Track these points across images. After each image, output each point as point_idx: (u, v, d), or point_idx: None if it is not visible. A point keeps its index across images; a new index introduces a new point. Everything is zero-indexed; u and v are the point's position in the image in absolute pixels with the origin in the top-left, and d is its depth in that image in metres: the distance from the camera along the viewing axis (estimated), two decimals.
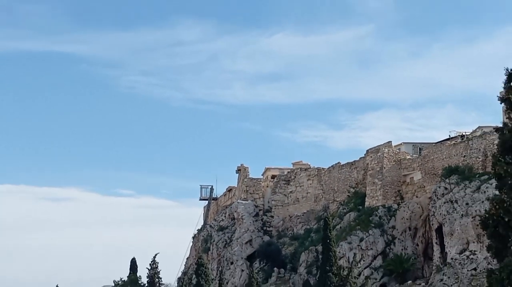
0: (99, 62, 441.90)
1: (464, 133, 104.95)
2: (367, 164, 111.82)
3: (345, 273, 69.14)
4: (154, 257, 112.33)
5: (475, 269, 77.81)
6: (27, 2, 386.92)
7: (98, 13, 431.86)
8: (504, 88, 21.94)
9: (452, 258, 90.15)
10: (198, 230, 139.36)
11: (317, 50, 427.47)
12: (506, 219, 20.89)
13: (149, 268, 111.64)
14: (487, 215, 22.35)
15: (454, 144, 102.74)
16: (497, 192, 23.35)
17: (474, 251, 79.37)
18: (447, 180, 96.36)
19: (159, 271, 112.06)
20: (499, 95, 22.54)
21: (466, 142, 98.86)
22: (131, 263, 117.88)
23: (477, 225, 56.88)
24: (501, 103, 22.51)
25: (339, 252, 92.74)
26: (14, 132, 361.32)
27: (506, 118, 22.06)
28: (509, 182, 20.96)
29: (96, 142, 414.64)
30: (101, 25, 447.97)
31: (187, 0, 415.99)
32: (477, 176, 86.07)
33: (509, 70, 21.85)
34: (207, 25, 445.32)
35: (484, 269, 66.65)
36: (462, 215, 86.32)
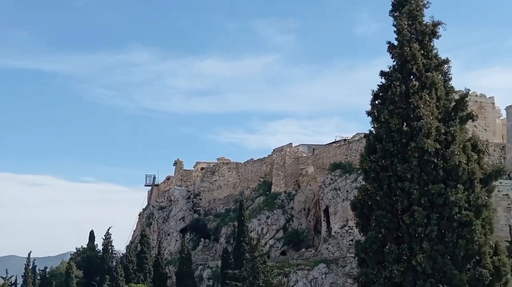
0: (69, 78, 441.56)
1: (346, 138, 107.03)
2: (273, 160, 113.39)
3: (254, 242, 71.16)
4: (108, 229, 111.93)
5: (352, 240, 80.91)
6: (13, 28, 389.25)
7: (70, 39, 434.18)
8: (370, 105, 22.91)
9: (335, 232, 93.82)
10: (143, 209, 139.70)
11: (237, 73, 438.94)
12: (369, 203, 21.89)
13: (104, 238, 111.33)
14: (356, 200, 23.33)
15: (338, 145, 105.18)
16: (364, 183, 23.67)
17: (352, 226, 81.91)
18: (332, 173, 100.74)
19: (111, 241, 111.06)
20: (367, 110, 23.22)
21: (348, 144, 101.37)
22: (90, 234, 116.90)
23: None
24: (368, 116, 22.89)
25: (250, 227, 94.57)
26: (3, 131, 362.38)
27: (372, 127, 22.75)
28: (372, 175, 21.77)
29: (66, 140, 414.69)
30: (72, 48, 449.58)
31: (139, 31, 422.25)
32: (355, 170, 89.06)
33: (373, 91, 22.90)
34: (154, 51, 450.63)
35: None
36: (343, 199, 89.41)
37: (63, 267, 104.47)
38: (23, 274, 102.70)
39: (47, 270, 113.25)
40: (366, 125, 22.24)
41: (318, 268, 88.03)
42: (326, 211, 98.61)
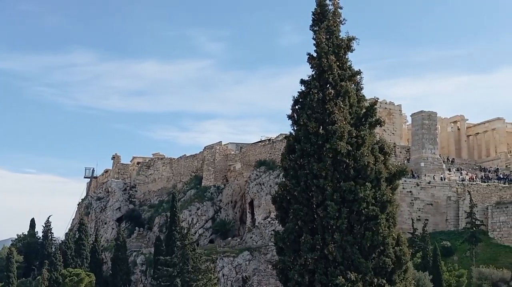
0: (13, 76, 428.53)
1: (270, 138, 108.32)
2: (204, 156, 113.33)
3: (185, 231, 71.28)
4: (48, 218, 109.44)
5: (273, 230, 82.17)
6: None
7: (15, 40, 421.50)
8: (291, 109, 22.37)
9: (258, 223, 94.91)
10: (82, 199, 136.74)
11: (171, 76, 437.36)
12: (288, 197, 21.39)
13: (44, 226, 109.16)
14: (276, 195, 22.51)
15: (263, 144, 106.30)
16: (283, 179, 23.23)
17: (273, 218, 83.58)
18: (257, 169, 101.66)
19: (51, 228, 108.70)
20: (287, 114, 22.69)
21: (271, 144, 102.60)
22: (30, 222, 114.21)
23: None
24: (288, 119, 22.49)
25: (182, 217, 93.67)
26: None
27: (292, 129, 22.23)
28: (291, 172, 21.28)
29: (8, 133, 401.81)
30: (17, 49, 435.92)
31: (81, 35, 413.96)
32: (277, 167, 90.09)
33: (294, 98, 22.41)
34: (94, 53, 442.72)
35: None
36: (266, 193, 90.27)
37: (4, 252, 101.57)
38: None
39: None
40: (288, 127, 22.41)
41: (243, 255, 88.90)
42: (251, 203, 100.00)
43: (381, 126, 23.48)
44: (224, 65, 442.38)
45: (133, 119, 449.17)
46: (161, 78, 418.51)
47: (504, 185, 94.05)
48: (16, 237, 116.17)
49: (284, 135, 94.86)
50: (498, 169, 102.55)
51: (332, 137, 20.07)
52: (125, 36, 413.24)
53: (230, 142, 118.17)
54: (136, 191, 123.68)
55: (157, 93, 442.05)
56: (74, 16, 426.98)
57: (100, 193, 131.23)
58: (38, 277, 73.81)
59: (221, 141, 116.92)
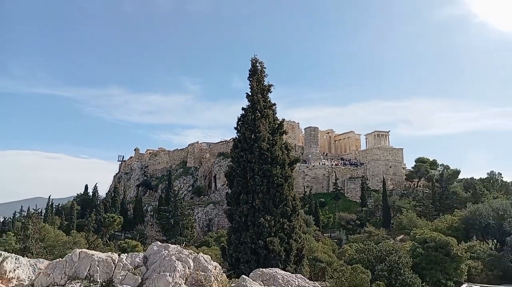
0: (75, 100, 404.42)
1: (226, 140, 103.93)
2: (188, 150, 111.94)
3: (176, 192, 71.86)
4: (95, 184, 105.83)
5: (226, 192, 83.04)
6: None
7: (75, 78, 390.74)
8: (236, 124, 21.57)
9: (219, 188, 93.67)
10: (116, 173, 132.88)
11: (169, 103, 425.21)
12: (233, 174, 20.85)
13: (93, 188, 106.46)
14: (227, 172, 21.95)
15: (222, 143, 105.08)
16: (231, 163, 22.06)
17: (226, 186, 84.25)
18: (218, 158, 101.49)
19: (97, 190, 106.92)
20: (234, 126, 21.71)
21: (227, 143, 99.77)
22: (85, 186, 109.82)
23: None
24: (235, 129, 21.64)
25: (174, 184, 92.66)
26: None
27: (236, 135, 21.61)
28: (235, 159, 20.91)
29: (71, 133, 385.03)
30: (77, 84, 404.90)
31: (114, 74, 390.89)
32: (229, 157, 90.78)
33: (238, 118, 21.36)
34: (122, 88, 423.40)
35: None
36: (223, 171, 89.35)
37: (69, 204, 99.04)
38: (45, 208, 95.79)
39: (60, 205, 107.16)
40: (234, 134, 22.89)
41: (209, 206, 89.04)
42: (215, 177, 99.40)
43: (286, 134, 22.92)
44: (199, 98, 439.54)
45: (147, 127, 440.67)
46: (162, 104, 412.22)
47: (354, 168, 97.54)
48: (76, 195, 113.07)
49: (232, 139, 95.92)
50: (350, 159, 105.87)
51: (258, 140, 20.32)
52: (140, 78, 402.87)
53: (203, 142, 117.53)
54: (148, 169, 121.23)
55: (161, 113, 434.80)
56: (109, 60, 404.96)
57: (127, 170, 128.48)
58: (89, 218, 72.36)
59: (198, 141, 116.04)
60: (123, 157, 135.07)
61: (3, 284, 7.96)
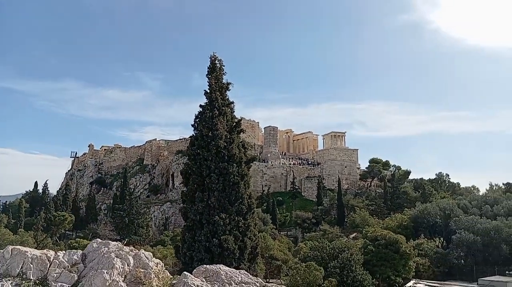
0: (29, 94, 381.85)
1: (185, 137, 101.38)
2: (146, 147, 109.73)
3: (132, 190, 70.09)
4: (46, 181, 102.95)
5: (183, 191, 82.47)
6: None
7: (34, 72, 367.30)
8: (194, 121, 21.20)
9: (176, 186, 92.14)
10: (68, 170, 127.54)
11: (127, 99, 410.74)
12: (189, 171, 20.65)
13: (43, 185, 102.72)
14: (183, 170, 21.68)
15: (181, 141, 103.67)
16: (188, 161, 21.74)
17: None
18: (177, 155, 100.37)
19: (48, 187, 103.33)
20: (192, 124, 21.47)
21: (186, 140, 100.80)
22: (34, 183, 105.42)
23: None
24: (192, 127, 21.37)
25: (130, 182, 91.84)
26: None
27: (194, 132, 21.21)
28: (192, 157, 20.57)
29: (21, 127, 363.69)
30: (33, 77, 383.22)
31: (72, 69, 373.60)
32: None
33: (195, 115, 21.22)
34: (79, 82, 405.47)
35: None
36: (181, 169, 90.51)
37: (16, 202, 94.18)
38: None
39: (7, 203, 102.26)
40: (191, 132, 22.25)
41: (166, 205, 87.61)
42: (172, 175, 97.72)
43: (244, 133, 22.72)
44: (159, 95, 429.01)
45: (103, 123, 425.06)
46: (120, 100, 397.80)
47: (311, 167, 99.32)
48: (25, 192, 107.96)
49: (190, 136, 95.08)
50: (308, 159, 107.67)
51: (216, 138, 19.97)
52: (97, 72, 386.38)
53: (162, 139, 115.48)
54: (102, 166, 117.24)
55: (118, 109, 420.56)
56: (64, 53, 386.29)
57: (80, 167, 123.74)
58: (38, 217, 69.07)
59: (156, 138, 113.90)
60: (76, 153, 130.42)
61: None
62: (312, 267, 24.90)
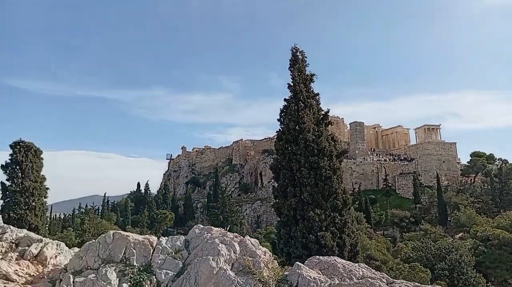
0: (124, 103, 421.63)
1: (270, 137, 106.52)
2: (233, 147, 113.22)
3: (223, 189, 72.42)
4: (147, 181, 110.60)
5: (273, 186, 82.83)
6: None
7: (125, 82, 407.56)
8: (279, 116, 20.46)
9: (265, 185, 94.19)
10: (165, 171, 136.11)
11: (211, 102, 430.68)
12: (279, 166, 19.96)
13: (145, 186, 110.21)
14: (272, 165, 20.79)
15: (266, 140, 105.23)
16: (276, 156, 20.82)
17: (272, 180, 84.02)
18: (263, 155, 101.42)
19: (149, 187, 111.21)
20: (277, 118, 20.61)
21: (271, 140, 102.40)
22: (137, 184, 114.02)
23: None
24: (278, 121, 20.49)
25: (221, 181, 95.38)
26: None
27: (280, 127, 20.35)
28: (280, 151, 19.85)
29: (124, 135, 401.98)
30: (125, 86, 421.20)
31: (159, 78, 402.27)
32: (274, 153, 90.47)
33: (280, 109, 20.28)
34: (166, 90, 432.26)
35: None
36: (268, 167, 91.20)
37: (123, 201, 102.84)
38: (101, 205, 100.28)
39: (115, 202, 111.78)
40: (273, 131, 21.52)
41: (257, 203, 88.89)
42: (260, 174, 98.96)
43: (332, 125, 21.68)
44: (239, 97, 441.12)
45: (190, 127, 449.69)
46: (205, 103, 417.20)
47: (404, 163, 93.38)
48: (129, 192, 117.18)
49: (276, 131, 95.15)
50: (399, 154, 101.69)
51: (303, 131, 19.12)
52: (182, 79, 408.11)
53: (248, 139, 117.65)
54: (195, 167, 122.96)
55: (203, 112, 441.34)
56: (151, 63, 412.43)
57: (175, 168, 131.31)
58: (142, 215, 74.49)
59: (242, 139, 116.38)
60: (171, 155, 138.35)
61: (43, 269, 7.68)
62: (417, 268, 22.63)
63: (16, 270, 7.33)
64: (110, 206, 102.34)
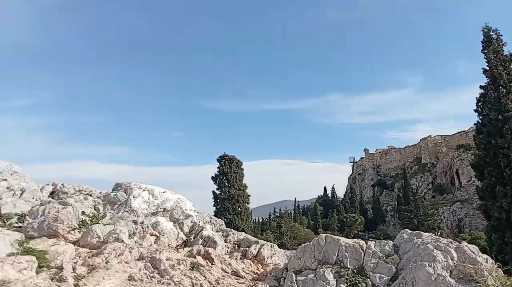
0: (305, 111, 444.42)
1: (464, 130, 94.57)
2: (421, 145, 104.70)
3: (415, 191, 67.59)
4: (333, 186, 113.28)
5: (476, 186, 73.94)
6: None
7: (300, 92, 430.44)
8: (476, 106, 19.45)
9: (464, 184, 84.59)
10: (349, 175, 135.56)
11: (391, 99, 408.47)
12: (482, 163, 18.75)
13: (331, 190, 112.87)
14: (474, 162, 19.96)
15: (460, 135, 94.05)
16: (477, 151, 19.81)
17: (474, 180, 74.36)
18: (458, 151, 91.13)
19: (335, 191, 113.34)
20: (474, 109, 19.59)
21: (466, 134, 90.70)
22: (324, 188, 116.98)
23: None
24: (475, 112, 19.25)
25: (411, 183, 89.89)
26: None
27: (478, 119, 19.25)
28: (482, 146, 18.70)
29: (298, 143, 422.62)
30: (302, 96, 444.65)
31: (334, 85, 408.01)
32: (471, 148, 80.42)
33: (477, 98, 19.28)
34: (342, 94, 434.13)
35: None
36: (467, 165, 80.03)
37: (312, 205, 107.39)
38: (292, 209, 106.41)
39: (304, 207, 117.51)
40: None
41: (456, 205, 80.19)
42: (457, 172, 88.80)
43: None
44: (421, 90, 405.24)
45: (371, 127, 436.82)
46: (382, 102, 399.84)
47: None
48: (317, 197, 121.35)
49: (472, 128, 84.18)
50: None
51: (509, 120, 17.14)
52: (355, 81, 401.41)
53: (437, 135, 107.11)
54: (380, 168, 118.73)
55: (382, 112, 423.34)
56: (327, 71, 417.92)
57: (359, 171, 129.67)
58: (331, 218, 76.28)
59: (430, 135, 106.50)
60: (354, 158, 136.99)
61: (262, 268, 8.89)
62: None
63: (243, 268, 8.63)
64: (301, 210, 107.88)
